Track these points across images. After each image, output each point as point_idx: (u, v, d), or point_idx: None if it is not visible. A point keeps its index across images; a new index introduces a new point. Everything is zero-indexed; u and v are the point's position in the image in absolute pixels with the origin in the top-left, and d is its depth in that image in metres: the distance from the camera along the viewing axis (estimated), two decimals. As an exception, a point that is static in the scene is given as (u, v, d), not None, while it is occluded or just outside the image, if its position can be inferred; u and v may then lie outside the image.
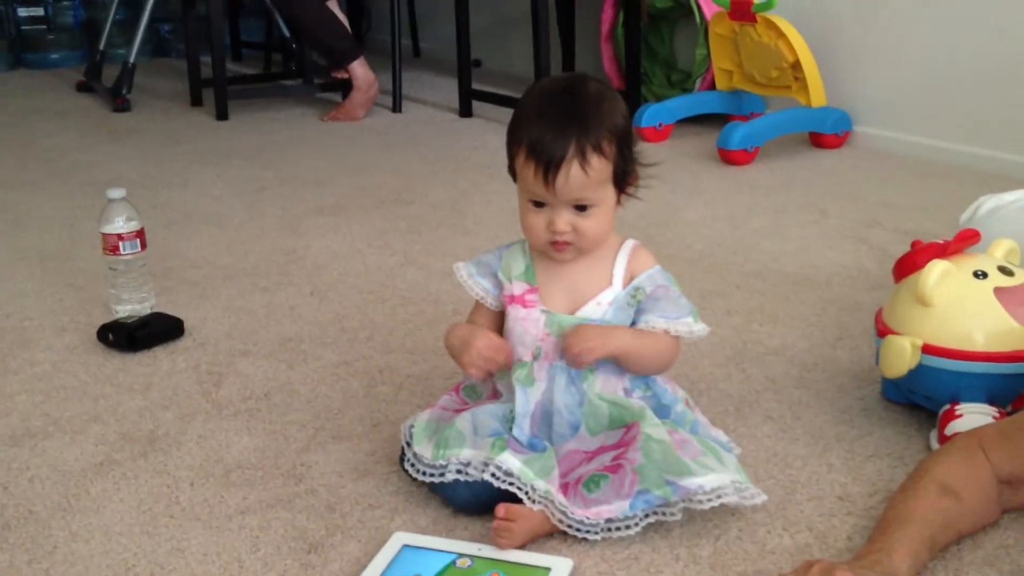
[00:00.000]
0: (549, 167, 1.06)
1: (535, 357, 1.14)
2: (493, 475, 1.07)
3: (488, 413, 1.14)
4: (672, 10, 3.18)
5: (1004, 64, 2.44)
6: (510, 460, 1.07)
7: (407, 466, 1.16)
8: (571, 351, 1.10)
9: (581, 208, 1.09)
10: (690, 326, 1.14)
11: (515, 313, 1.15)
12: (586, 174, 1.07)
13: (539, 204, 1.10)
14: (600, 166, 1.08)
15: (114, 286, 1.70)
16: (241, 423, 1.38)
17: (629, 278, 1.15)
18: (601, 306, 1.13)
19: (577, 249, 1.12)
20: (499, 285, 1.17)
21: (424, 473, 1.12)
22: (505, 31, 3.94)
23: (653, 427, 1.09)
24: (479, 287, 1.18)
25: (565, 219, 1.09)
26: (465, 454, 1.10)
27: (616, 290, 1.14)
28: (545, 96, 1.11)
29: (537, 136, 1.07)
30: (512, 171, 1.13)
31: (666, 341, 1.14)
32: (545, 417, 1.13)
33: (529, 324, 1.14)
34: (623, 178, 1.12)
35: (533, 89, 1.14)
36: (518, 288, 1.16)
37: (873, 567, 0.97)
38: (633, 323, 1.14)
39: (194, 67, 3.53)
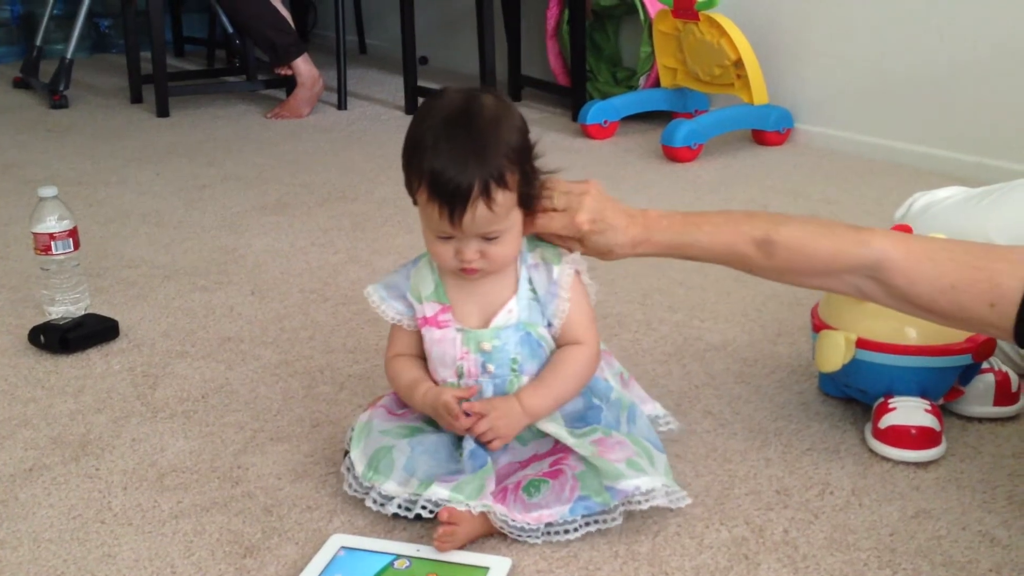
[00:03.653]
0: (454, 209, 1.02)
1: (459, 376, 1.13)
2: (424, 507, 1.07)
3: (429, 452, 1.11)
4: (617, 8, 3.19)
5: (941, 64, 2.48)
6: (439, 491, 1.06)
7: (343, 469, 1.15)
8: (481, 435, 1.09)
9: (489, 238, 1.07)
10: (563, 271, 1.11)
11: (430, 335, 1.13)
12: (492, 211, 1.03)
13: (446, 237, 1.07)
14: (505, 199, 1.04)
15: (46, 287, 1.67)
16: (177, 425, 1.35)
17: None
18: (512, 312, 1.12)
19: (487, 272, 1.10)
20: (411, 306, 1.15)
21: (351, 487, 1.13)
22: (451, 28, 3.93)
23: (579, 440, 1.10)
24: (392, 310, 1.15)
25: (473, 248, 1.07)
26: (388, 487, 1.09)
27: (522, 293, 1.13)
28: (441, 123, 1.04)
29: (438, 172, 1.02)
30: (412, 195, 1.08)
31: (579, 361, 1.12)
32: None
33: (447, 345, 1.12)
34: (529, 200, 1.09)
35: (427, 112, 1.06)
36: (430, 309, 1.13)
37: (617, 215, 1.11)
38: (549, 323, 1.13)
39: (134, 63, 3.46)
